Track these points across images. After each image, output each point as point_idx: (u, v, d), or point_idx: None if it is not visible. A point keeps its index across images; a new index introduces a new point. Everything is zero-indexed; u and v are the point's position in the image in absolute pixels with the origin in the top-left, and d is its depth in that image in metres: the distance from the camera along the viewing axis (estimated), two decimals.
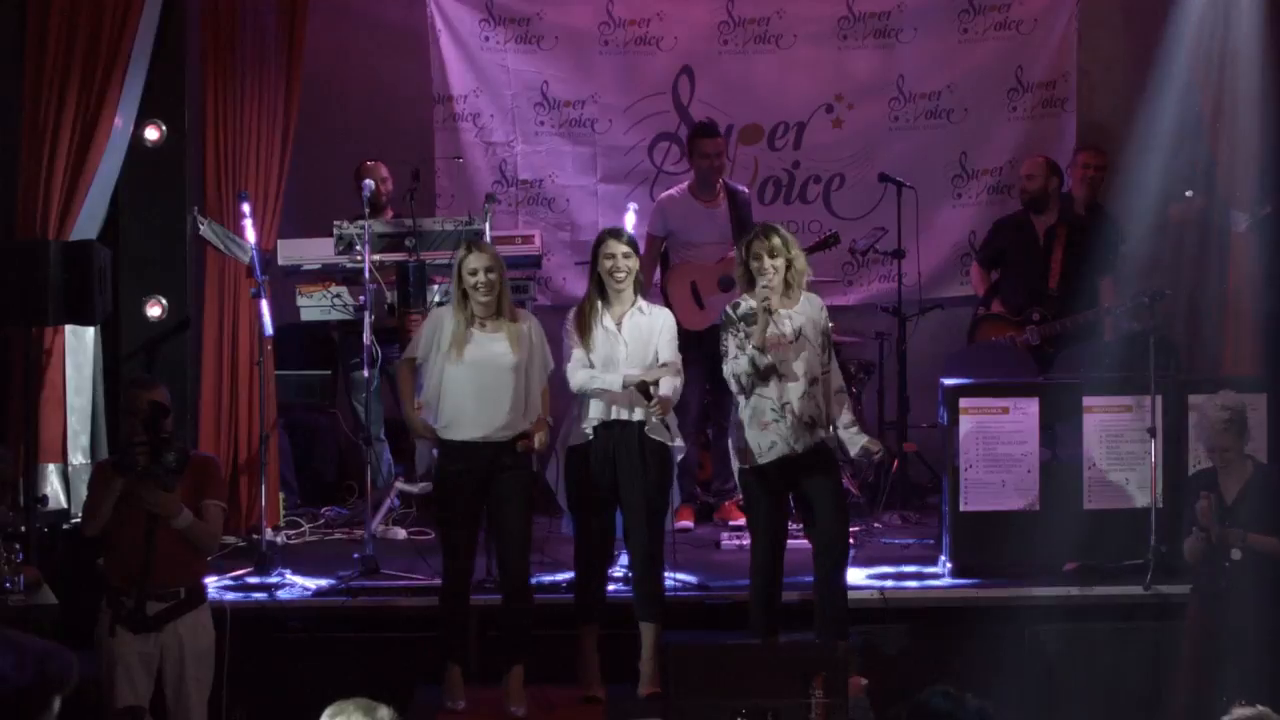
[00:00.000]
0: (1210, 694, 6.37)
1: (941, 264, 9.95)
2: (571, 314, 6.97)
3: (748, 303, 6.82)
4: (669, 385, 6.77)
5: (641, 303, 6.92)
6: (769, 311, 6.71)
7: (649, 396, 6.63)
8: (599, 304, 6.86)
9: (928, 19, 10.02)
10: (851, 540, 7.31)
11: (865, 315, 9.76)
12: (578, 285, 9.93)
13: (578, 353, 6.83)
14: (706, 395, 8.63)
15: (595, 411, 6.79)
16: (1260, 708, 3.80)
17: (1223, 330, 8.73)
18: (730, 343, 6.84)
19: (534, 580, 7.06)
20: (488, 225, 8.31)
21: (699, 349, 8.09)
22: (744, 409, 6.81)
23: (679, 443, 6.98)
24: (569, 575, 7.28)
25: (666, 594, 7.07)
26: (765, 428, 6.74)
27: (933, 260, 9.82)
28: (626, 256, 6.82)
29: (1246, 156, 8.45)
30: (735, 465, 6.92)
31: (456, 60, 10.07)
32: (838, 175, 10.12)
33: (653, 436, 6.81)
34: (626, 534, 6.89)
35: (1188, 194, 8.96)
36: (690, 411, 8.30)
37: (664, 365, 6.78)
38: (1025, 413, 7.63)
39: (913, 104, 10.07)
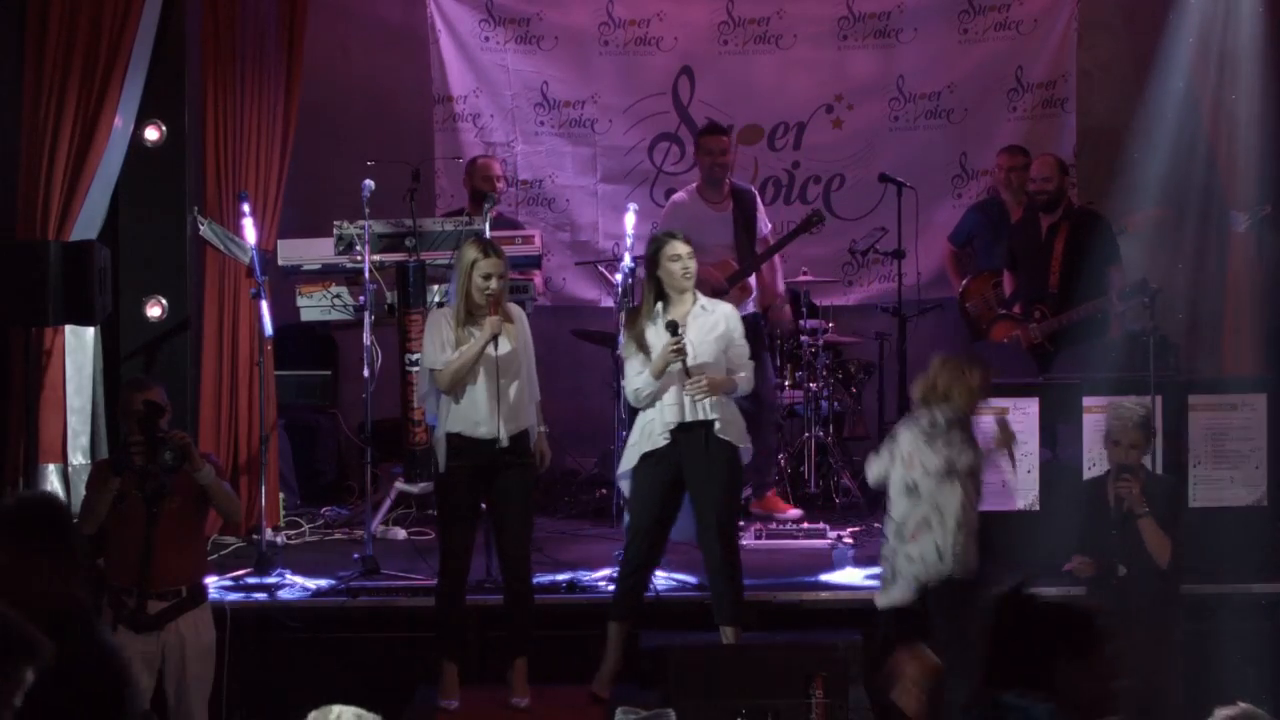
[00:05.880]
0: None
1: (941, 264, 9.95)
2: (624, 328, 6.76)
3: None
4: (743, 381, 6.65)
5: (703, 300, 6.72)
6: None
7: (674, 332, 6.42)
8: (657, 308, 6.65)
9: (928, 19, 10.04)
10: (851, 541, 7.36)
11: (865, 315, 9.77)
12: (577, 285, 9.97)
13: (634, 363, 6.63)
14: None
15: (670, 416, 6.57)
16: (1243, 705, 3.76)
17: (1223, 330, 8.73)
18: None
19: (535, 580, 7.05)
20: (487, 225, 8.31)
21: None
22: None
23: (748, 445, 6.74)
24: (569, 575, 7.34)
25: (666, 594, 7.07)
26: None
27: (933, 260, 9.83)
28: (691, 256, 6.67)
29: (1246, 156, 8.45)
30: None
31: (456, 60, 10.09)
32: (838, 175, 10.14)
33: (722, 437, 6.58)
34: (700, 537, 6.69)
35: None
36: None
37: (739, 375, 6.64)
38: (1025, 413, 7.62)
39: (913, 104, 10.09)
